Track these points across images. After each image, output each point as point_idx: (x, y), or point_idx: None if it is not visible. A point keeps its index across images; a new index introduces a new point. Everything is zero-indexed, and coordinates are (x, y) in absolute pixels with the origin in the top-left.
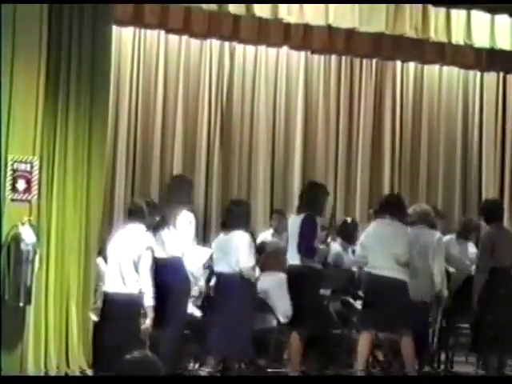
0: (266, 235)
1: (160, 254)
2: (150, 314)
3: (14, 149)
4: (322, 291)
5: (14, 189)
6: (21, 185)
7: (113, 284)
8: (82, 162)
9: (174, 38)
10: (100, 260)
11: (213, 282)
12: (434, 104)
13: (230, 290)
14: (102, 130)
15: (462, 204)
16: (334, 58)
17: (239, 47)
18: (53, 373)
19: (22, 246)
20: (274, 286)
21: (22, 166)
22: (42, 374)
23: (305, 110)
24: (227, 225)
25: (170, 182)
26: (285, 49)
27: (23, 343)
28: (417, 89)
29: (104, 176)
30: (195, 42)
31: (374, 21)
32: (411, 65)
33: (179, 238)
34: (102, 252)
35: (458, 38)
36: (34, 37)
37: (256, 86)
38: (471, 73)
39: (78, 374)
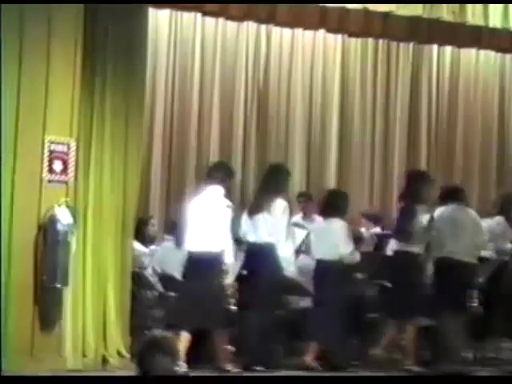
0: (296, 218)
1: (253, 240)
2: (231, 270)
3: (51, 130)
4: (358, 275)
5: (50, 170)
6: (57, 166)
7: (195, 244)
8: (118, 143)
9: (210, 21)
10: (136, 243)
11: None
12: (470, 88)
13: (329, 277)
14: (138, 112)
15: (498, 189)
16: (370, 41)
17: (276, 30)
18: (91, 355)
19: (59, 227)
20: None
21: (59, 147)
22: (79, 356)
23: (341, 94)
24: (325, 213)
25: (266, 170)
26: (321, 32)
27: (60, 325)
28: (453, 73)
29: (141, 157)
30: (232, 25)
31: (411, 4)
32: (448, 48)
33: (273, 225)
34: (137, 235)
35: (495, 21)
36: (70, 18)
37: (292, 69)
38: (508, 56)
39: (115, 356)
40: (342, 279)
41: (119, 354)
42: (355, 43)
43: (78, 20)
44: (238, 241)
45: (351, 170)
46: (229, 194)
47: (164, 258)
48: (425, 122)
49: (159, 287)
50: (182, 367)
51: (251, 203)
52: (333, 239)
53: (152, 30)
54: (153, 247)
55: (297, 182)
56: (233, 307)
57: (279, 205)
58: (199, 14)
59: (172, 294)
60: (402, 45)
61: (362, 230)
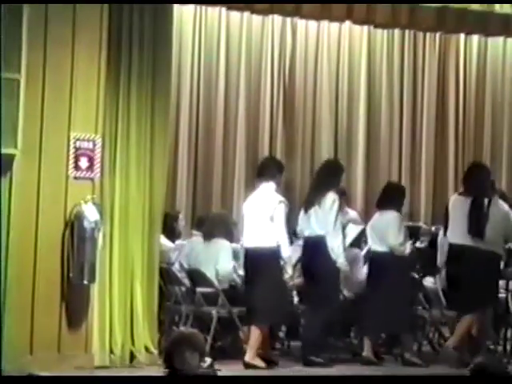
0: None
1: (308, 234)
2: (290, 264)
3: (77, 127)
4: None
5: (76, 167)
6: (83, 163)
7: (251, 240)
8: (144, 140)
9: (235, 15)
10: (163, 239)
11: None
12: (497, 77)
13: (384, 268)
14: (164, 108)
15: None
16: (397, 32)
17: (301, 23)
18: (118, 351)
19: (86, 223)
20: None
21: (85, 144)
22: (107, 353)
23: (368, 85)
24: (381, 205)
25: (321, 166)
26: (347, 23)
27: (88, 321)
28: (480, 62)
29: (167, 153)
30: (257, 19)
31: None
32: (475, 38)
33: (323, 218)
34: (165, 230)
35: None
36: (95, 15)
37: (318, 61)
38: None
39: (143, 352)
40: (397, 271)
41: (147, 349)
42: (381, 34)
43: (102, 18)
44: (294, 235)
45: (379, 162)
46: (280, 189)
47: (191, 253)
48: (452, 113)
49: (187, 282)
50: (207, 363)
51: (305, 198)
52: (384, 230)
53: (177, 26)
54: (180, 242)
55: None
56: (295, 301)
57: (329, 198)
58: (224, 9)
59: (199, 289)
60: (428, 35)
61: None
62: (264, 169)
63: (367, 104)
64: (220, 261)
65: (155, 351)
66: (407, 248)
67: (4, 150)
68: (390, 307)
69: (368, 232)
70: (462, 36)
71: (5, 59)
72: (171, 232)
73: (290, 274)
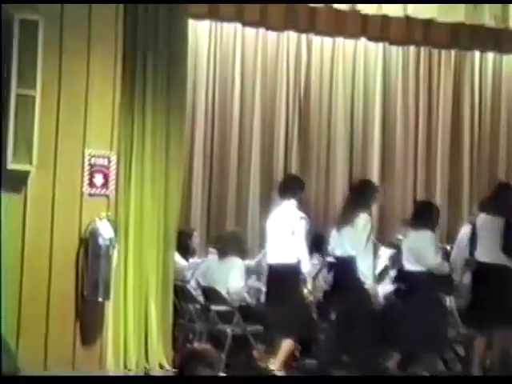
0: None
1: (339, 253)
2: (309, 280)
3: (92, 143)
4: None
5: (91, 184)
6: (98, 180)
7: (273, 256)
8: (159, 157)
9: (250, 31)
10: (177, 256)
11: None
12: None
13: (419, 288)
14: (179, 125)
15: None
16: (412, 48)
17: (316, 39)
18: (132, 368)
19: (100, 240)
20: None
21: (100, 161)
22: (121, 370)
23: (383, 102)
24: (414, 225)
25: (353, 185)
26: (362, 40)
27: (102, 339)
28: (496, 79)
29: (182, 170)
30: (272, 35)
31: (453, 11)
32: (490, 55)
33: (355, 239)
34: (179, 248)
35: None
36: (110, 31)
37: (333, 78)
38: None
39: (157, 369)
40: (433, 290)
41: (161, 367)
42: (396, 51)
43: (117, 34)
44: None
45: (394, 180)
46: (301, 206)
47: (207, 271)
48: (467, 130)
49: (201, 300)
50: None
51: (338, 217)
52: (420, 250)
53: (192, 41)
54: (193, 260)
55: (339, 193)
56: (315, 315)
57: (362, 218)
58: (239, 25)
59: (214, 307)
60: (443, 52)
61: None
62: (285, 187)
63: (382, 120)
64: (230, 279)
65: (169, 368)
66: (446, 267)
67: (19, 167)
68: (427, 325)
69: (403, 252)
70: (477, 53)
71: (20, 76)
72: (185, 249)
73: (310, 289)
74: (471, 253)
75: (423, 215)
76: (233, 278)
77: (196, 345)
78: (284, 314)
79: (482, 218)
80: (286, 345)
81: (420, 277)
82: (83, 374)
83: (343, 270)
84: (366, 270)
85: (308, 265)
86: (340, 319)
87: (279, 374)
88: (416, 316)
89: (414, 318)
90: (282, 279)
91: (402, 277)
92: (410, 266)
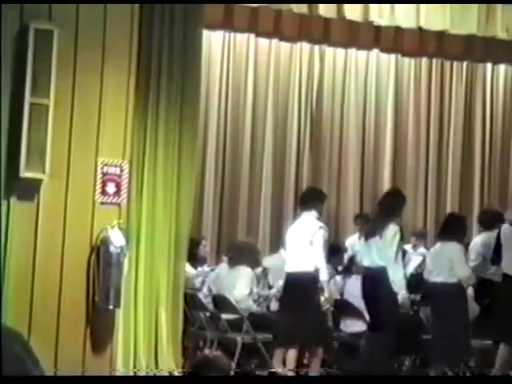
0: (353, 239)
1: (368, 264)
2: (326, 288)
3: (104, 152)
4: (412, 296)
5: (103, 192)
6: (110, 188)
7: (292, 265)
8: (171, 166)
9: (263, 42)
10: (188, 266)
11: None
12: None
13: (446, 300)
14: (192, 134)
15: None
16: (424, 60)
17: (329, 50)
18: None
19: (112, 248)
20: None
21: (112, 170)
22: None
23: (395, 113)
24: (442, 236)
25: (383, 196)
26: (375, 51)
27: (113, 346)
28: (507, 91)
29: (194, 179)
30: (285, 46)
31: (466, 23)
32: (502, 67)
33: (384, 249)
34: (190, 258)
35: None
36: (125, 40)
37: (346, 88)
38: None
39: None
40: (462, 301)
41: (171, 374)
42: (409, 63)
43: (132, 44)
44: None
45: (405, 190)
46: (322, 217)
47: (218, 279)
48: (479, 141)
49: (211, 308)
50: None
51: (366, 227)
52: (449, 262)
53: (206, 52)
54: (202, 268)
55: (350, 201)
56: (330, 323)
57: (391, 229)
58: (252, 35)
59: (224, 315)
60: (455, 63)
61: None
62: (306, 199)
63: (394, 131)
64: (237, 287)
65: (180, 376)
66: (474, 278)
67: (32, 175)
68: (457, 336)
69: (428, 263)
70: (489, 65)
71: (34, 84)
72: (193, 257)
73: (327, 297)
74: (493, 262)
75: (454, 228)
76: (239, 286)
77: (207, 352)
78: (300, 321)
79: (506, 230)
80: (317, 356)
81: (449, 288)
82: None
83: (373, 280)
84: (397, 280)
85: (325, 273)
86: (374, 330)
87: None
88: (445, 326)
89: (442, 328)
90: (300, 287)
91: (428, 288)
92: (436, 277)
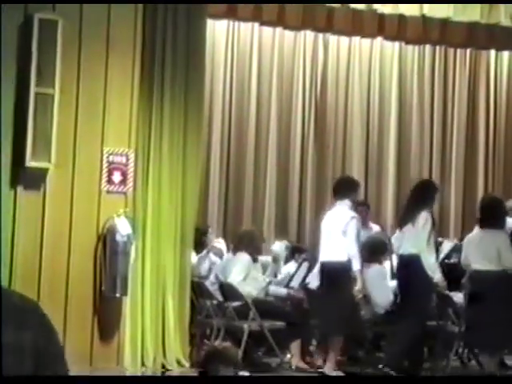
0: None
1: (401, 252)
2: (359, 278)
3: (110, 141)
4: None
5: (109, 181)
6: (116, 177)
7: (325, 254)
8: (177, 155)
9: (267, 31)
10: (194, 253)
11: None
12: None
13: (492, 288)
14: (196, 123)
15: None
16: (428, 48)
17: (333, 38)
18: (150, 364)
19: (118, 237)
20: (372, 277)
21: (118, 159)
22: (138, 366)
23: (399, 101)
24: (484, 224)
25: (416, 185)
26: (379, 39)
27: (120, 334)
28: (511, 77)
29: (199, 168)
30: (289, 34)
31: (469, 10)
32: (505, 54)
33: (416, 236)
34: (194, 245)
35: None
36: (129, 30)
37: (350, 77)
38: None
39: (175, 365)
40: (505, 290)
41: (178, 362)
42: (412, 50)
43: (136, 33)
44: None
45: (409, 176)
46: (355, 206)
47: (226, 267)
48: (483, 128)
49: (218, 296)
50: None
51: (400, 217)
52: (494, 250)
53: (210, 41)
54: (210, 256)
55: None
56: (363, 313)
57: (422, 217)
58: (256, 24)
59: (231, 303)
60: (459, 51)
61: None
62: (339, 188)
63: (398, 119)
64: (232, 272)
65: (187, 364)
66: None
67: (38, 164)
68: (501, 323)
69: (470, 251)
70: (493, 52)
71: (39, 74)
72: (201, 246)
73: (360, 286)
74: None
75: (496, 214)
76: (234, 271)
77: (217, 343)
78: (334, 310)
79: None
80: (337, 344)
81: (496, 276)
82: (102, 374)
83: (406, 267)
84: (432, 266)
85: (358, 264)
86: (413, 317)
87: (335, 374)
88: (488, 314)
89: (484, 315)
90: (333, 276)
91: (470, 276)
92: (480, 265)
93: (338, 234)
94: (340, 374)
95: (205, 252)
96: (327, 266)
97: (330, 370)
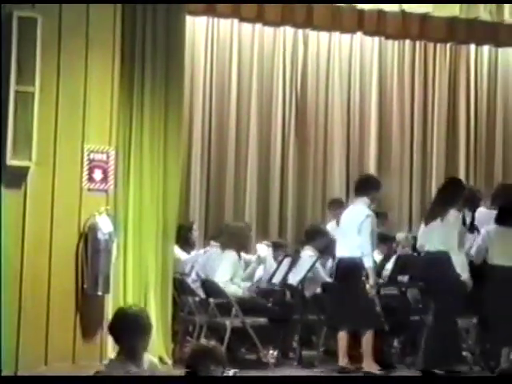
0: (331, 226)
1: (428, 248)
2: (372, 275)
3: (91, 139)
4: (399, 278)
5: (90, 179)
6: (97, 175)
7: (341, 250)
8: (157, 152)
9: (247, 27)
10: (177, 249)
11: None
12: (508, 86)
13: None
14: (177, 120)
15: None
16: (407, 43)
17: (313, 34)
18: None
19: (100, 235)
20: None
21: (99, 156)
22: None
23: (379, 96)
24: (504, 220)
25: (444, 183)
26: (358, 35)
27: (102, 332)
28: (491, 72)
29: (180, 164)
30: (269, 30)
31: (448, 5)
32: (485, 48)
33: (446, 233)
34: (179, 241)
35: None
36: (109, 27)
37: (330, 72)
38: None
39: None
40: None
41: (161, 360)
42: (392, 45)
43: (115, 30)
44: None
45: (390, 173)
46: (374, 204)
47: (207, 264)
48: (463, 123)
49: (200, 293)
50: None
51: (427, 213)
52: None
53: (189, 38)
54: (196, 253)
55: (336, 187)
56: (378, 309)
57: (452, 214)
58: (236, 20)
59: (212, 299)
60: (439, 46)
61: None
62: (359, 185)
63: (378, 114)
64: (219, 271)
65: (169, 361)
66: None
67: (18, 163)
68: None
69: (493, 245)
70: (473, 46)
71: (19, 72)
72: (186, 242)
73: (372, 283)
74: None
75: None
76: (220, 270)
77: (203, 341)
78: (348, 305)
79: None
80: (367, 340)
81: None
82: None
83: (435, 264)
84: (462, 264)
85: (370, 261)
86: (440, 313)
87: (377, 372)
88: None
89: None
90: (347, 271)
91: (492, 271)
92: (503, 261)
93: (353, 231)
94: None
95: (195, 251)
96: (342, 261)
97: (369, 366)
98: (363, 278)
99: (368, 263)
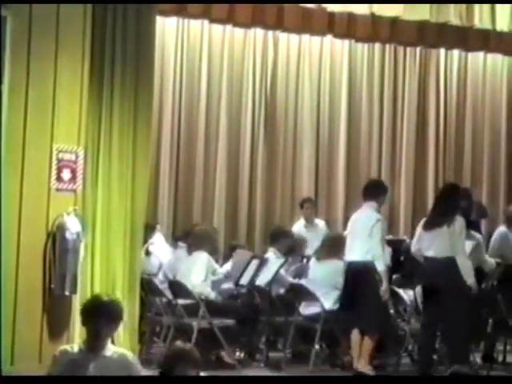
0: (298, 226)
1: (431, 254)
2: (384, 278)
3: (59, 139)
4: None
5: (59, 178)
6: (66, 174)
7: (351, 254)
8: (126, 152)
9: (217, 28)
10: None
11: None
12: (478, 91)
13: None
14: (146, 120)
15: (507, 194)
16: (377, 46)
17: (283, 36)
18: None
19: (68, 235)
20: (328, 273)
21: (67, 156)
22: None
23: (349, 99)
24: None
25: (445, 189)
26: (329, 37)
27: (69, 332)
28: (461, 76)
29: (149, 165)
30: (239, 32)
31: (418, 9)
32: (455, 52)
33: (451, 239)
34: (146, 242)
35: (502, 25)
36: (78, 27)
37: (300, 75)
38: None
39: None
40: None
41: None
42: (362, 48)
43: (85, 31)
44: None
45: (359, 175)
46: (381, 208)
47: (175, 265)
48: (433, 126)
49: (168, 294)
50: None
51: (427, 219)
52: None
53: (159, 38)
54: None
55: (305, 188)
56: (391, 311)
57: (458, 221)
58: (206, 22)
59: (180, 301)
60: (409, 49)
61: None
62: (368, 189)
63: (348, 116)
64: (193, 272)
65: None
66: None
67: None
68: None
69: (499, 247)
70: (443, 51)
71: None
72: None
73: (385, 287)
74: None
75: None
76: (194, 271)
77: (179, 344)
78: (361, 309)
79: None
80: (367, 341)
81: None
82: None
83: (439, 269)
84: (468, 269)
85: (382, 264)
86: (445, 317)
87: (370, 373)
88: None
89: None
90: (358, 275)
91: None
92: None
93: (364, 235)
94: (371, 371)
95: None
96: (353, 266)
97: (363, 366)
98: (376, 282)
99: (380, 267)
